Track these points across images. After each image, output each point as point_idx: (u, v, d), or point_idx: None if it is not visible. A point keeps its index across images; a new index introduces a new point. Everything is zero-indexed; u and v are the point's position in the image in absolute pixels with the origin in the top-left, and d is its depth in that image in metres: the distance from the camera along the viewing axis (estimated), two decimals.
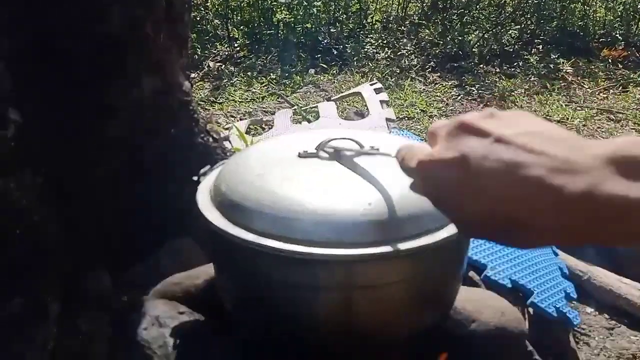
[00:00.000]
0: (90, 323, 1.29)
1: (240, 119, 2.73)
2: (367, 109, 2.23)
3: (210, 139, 1.51)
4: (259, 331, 0.86)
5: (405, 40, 4.17)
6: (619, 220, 0.37)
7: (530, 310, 1.34)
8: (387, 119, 2.00)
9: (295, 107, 2.82)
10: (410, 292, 0.82)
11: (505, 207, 0.42)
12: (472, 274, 1.30)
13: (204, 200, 0.84)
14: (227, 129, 2.19)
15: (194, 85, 3.34)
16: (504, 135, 0.43)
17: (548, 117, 2.99)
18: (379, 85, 2.47)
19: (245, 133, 2.19)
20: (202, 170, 1.03)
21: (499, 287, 1.25)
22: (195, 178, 1.01)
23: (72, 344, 1.23)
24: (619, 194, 0.37)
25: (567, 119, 2.99)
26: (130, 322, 0.94)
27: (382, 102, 2.23)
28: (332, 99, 2.84)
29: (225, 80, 3.49)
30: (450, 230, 0.76)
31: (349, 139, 0.84)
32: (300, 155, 0.83)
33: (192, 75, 3.51)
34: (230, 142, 1.70)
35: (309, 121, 2.50)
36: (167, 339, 0.88)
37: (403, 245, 0.76)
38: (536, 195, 0.40)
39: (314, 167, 0.82)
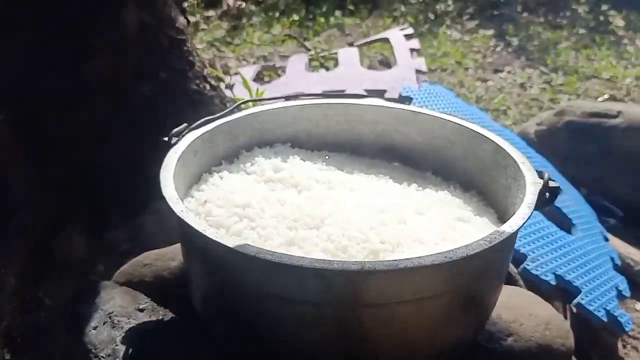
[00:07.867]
0: (53, 296, 1.13)
1: (254, 63, 2.49)
2: (395, 57, 1.97)
3: (208, 86, 1.30)
4: (235, 345, 0.67)
5: None
6: None
7: (573, 308, 1.14)
8: (417, 71, 1.75)
9: (312, 52, 2.55)
10: (435, 312, 0.61)
11: None
12: None
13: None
14: (236, 74, 1.95)
15: (210, 25, 3.11)
16: None
17: (596, 75, 2.71)
18: (410, 30, 2.19)
19: (255, 80, 1.96)
20: (175, 130, 0.83)
21: (540, 282, 1.04)
22: (166, 139, 0.81)
23: (31, 320, 1.07)
24: None
25: (617, 77, 2.71)
26: (81, 314, 0.75)
27: (412, 50, 1.96)
28: (355, 44, 2.57)
29: (244, 20, 3.26)
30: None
31: None
32: None
33: (210, 13, 3.28)
34: (232, 91, 1.49)
35: (327, 69, 2.25)
36: (118, 346, 0.69)
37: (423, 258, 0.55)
38: None
39: None
